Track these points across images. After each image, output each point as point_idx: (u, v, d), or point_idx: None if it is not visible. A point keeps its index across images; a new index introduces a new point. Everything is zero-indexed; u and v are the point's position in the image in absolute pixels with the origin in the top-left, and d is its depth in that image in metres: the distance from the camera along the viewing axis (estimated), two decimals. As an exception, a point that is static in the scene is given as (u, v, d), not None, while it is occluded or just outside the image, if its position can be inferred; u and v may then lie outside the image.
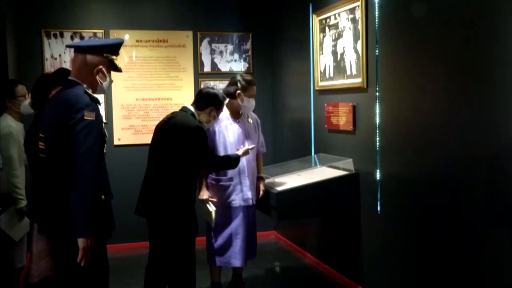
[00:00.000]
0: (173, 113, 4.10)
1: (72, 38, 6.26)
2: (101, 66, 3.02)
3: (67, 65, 6.21)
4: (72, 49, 3.09)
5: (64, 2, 6.27)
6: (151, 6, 6.59)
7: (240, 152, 4.29)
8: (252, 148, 4.45)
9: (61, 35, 6.25)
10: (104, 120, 3.24)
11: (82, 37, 6.28)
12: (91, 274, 2.97)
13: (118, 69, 3.12)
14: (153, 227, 3.99)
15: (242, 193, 4.50)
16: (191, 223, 3.94)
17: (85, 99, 2.89)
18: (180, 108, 4.17)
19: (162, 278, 4.05)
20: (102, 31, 6.35)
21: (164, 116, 4.15)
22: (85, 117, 2.83)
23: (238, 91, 4.45)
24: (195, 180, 4.03)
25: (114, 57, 3.07)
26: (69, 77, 3.03)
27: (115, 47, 3.09)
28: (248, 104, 4.53)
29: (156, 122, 6.39)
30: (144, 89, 6.48)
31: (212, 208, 4.38)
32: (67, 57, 6.25)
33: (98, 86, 3.06)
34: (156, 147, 4.01)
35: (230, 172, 4.44)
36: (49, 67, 6.20)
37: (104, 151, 3.05)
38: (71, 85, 2.98)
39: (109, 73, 3.08)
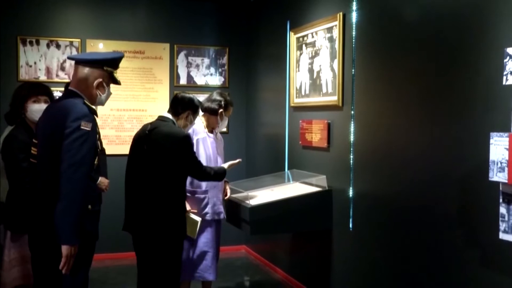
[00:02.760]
0: (152, 123, 3.99)
1: (48, 46, 6.22)
2: (101, 79, 3.08)
3: (42, 73, 6.19)
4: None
5: (41, 10, 6.23)
6: (129, 17, 6.60)
7: (226, 166, 4.31)
8: (238, 163, 4.50)
9: (37, 42, 6.20)
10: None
11: (58, 45, 6.24)
12: (70, 283, 2.96)
13: (117, 82, 3.19)
14: (143, 242, 3.86)
15: (216, 207, 4.52)
16: (182, 235, 3.91)
17: (84, 109, 2.93)
18: (157, 118, 4.11)
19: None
20: (79, 40, 6.32)
21: (138, 127, 4.10)
22: (82, 127, 2.87)
23: (221, 110, 4.53)
24: (185, 191, 3.99)
25: (113, 70, 3.14)
26: (69, 87, 3.08)
27: (116, 61, 3.17)
28: (224, 122, 4.67)
29: (130, 133, 6.45)
30: (119, 100, 6.44)
31: (197, 218, 4.36)
32: (42, 64, 6.21)
33: (97, 98, 3.11)
34: (141, 159, 3.87)
35: (205, 185, 4.46)
36: (24, 74, 6.16)
37: (95, 162, 3.06)
38: (70, 95, 3.03)
39: (108, 86, 3.14)
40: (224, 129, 4.84)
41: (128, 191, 3.97)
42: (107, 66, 3.10)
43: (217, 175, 4.14)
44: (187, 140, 3.83)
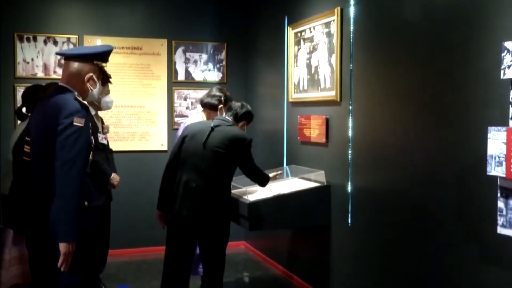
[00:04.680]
0: (213, 120, 4.07)
1: (45, 42, 6.20)
2: (91, 74, 3.06)
3: (40, 70, 6.18)
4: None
5: (38, 6, 6.21)
6: (126, 14, 6.58)
7: (271, 175, 4.44)
8: (280, 174, 4.80)
9: (34, 39, 6.18)
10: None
11: (55, 42, 6.23)
12: (68, 281, 2.95)
13: (107, 76, 3.21)
14: (198, 232, 3.95)
15: None
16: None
17: (75, 105, 2.92)
18: (216, 117, 4.18)
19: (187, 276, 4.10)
20: (76, 36, 6.30)
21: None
22: (75, 123, 2.86)
23: (221, 106, 4.54)
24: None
25: (104, 64, 3.12)
26: (60, 83, 3.06)
27: (105, 55, 3.15)
28: None
29: (128, 129, 6.46)
30: (116, 96, 6.39)
31: None
32: (40, 61, 6.19)
33: (88, 93, 3.09)
34: (201, 151, 3.93)
35: None
36: (21, 71, 6.14)
37: (90, 158, 3.06)
38: (61, 91, 3.01)
39: (99, 80, 3.12)
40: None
41: (185, 183, 3.94)
42: (97, 60, 3.08)
43: (264, 178, 4.30)
44: (251, 144, 4.04)
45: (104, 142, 4.78)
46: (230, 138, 3.92)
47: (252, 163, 4.12)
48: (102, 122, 4.96)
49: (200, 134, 3.97)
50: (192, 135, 4.00)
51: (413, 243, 3.68)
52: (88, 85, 3.07)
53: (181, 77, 6.77)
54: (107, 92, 4.86)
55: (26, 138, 3.15)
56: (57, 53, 3.39)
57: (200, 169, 3.91)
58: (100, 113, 4.89)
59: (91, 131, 3.05)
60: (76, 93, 3.01)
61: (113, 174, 4.65)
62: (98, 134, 4.71)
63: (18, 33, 6.14)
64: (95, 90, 3.11)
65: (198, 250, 4.49)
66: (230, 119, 4.11)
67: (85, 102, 3.04)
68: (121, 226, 6.20)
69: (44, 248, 2.96)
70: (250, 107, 4.27)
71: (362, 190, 4.31)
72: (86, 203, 2.98)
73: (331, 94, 4.71)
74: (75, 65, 3.04)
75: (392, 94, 3.92)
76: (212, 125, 3.98)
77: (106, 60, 3.15)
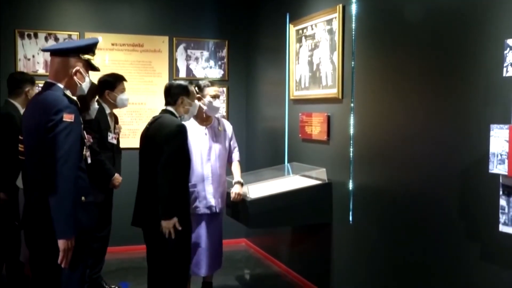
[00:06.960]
0: (154, 117, 4.03)
1: (46, 39, 6.19)
2: (78, 67, 3.02)
3: (41, 66, 6.17)
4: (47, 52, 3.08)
5: (39, 3, 6.20)
6: (127, 10, 6.57)
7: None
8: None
9: (35, 36, 6.17)
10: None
11: (57, 39, 6.22)
12: (69, 278, 2.94)
13: (95, 69, 3.13)
14: (150, 235, 3.95)
15: (206, 200, 4.49)
16: (185, 226, 3.83)
17: (64, 101, 2.89)
18: (160, 111, 4.10)
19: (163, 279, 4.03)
20: (77, 33, 6.29)
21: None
22: (64, 119, 2.83)
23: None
24: (186, 183, 3.91)
25: (90, 57, 3.07)
26: (48, 80, 3.03)
27: (91, 47, 3.09)
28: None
29: (129, 127, 6.45)
30: (118, 93, 6.42)
31: None
32: (41, 58, 6.18)
33: (77, 88, 3.05)
34: (144, 154, 3.95)
35: (194, 179, 4.43)
36: (22, 67, 6.13)
37: (84, 152, 3.04)
38: (49, 87, 2.98)
39: (87, 73, 3.09)
40: (218, 115, 4.63)
41: (138, 186, 4.01)
42: (83, 53, 3.04)
43: (172, 192, 3.74)
44: (179, 130, 3.77)
45: (114, 141, 4.78)
46: (156, 132, 3.84)
47: (169, 160, 3.68)
48: (116, 122, 4.95)
49: (143, 136, 4.03)
50: (141, 138, 4.06)
51: (415, 240, 3.67)
52: (76, 78, 3.02)
53: (182, 74, 6.76)
54: (122, 90, 4.83)
55: (20, 137, 3.12)
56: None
57: (144, 172, 3.92)
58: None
59: (82, 126, 3.03)
60: (63, 88, 2.98)
61: (116, 175, 4.71)
62: (108, 133, 4.71)
63: (19, 29, 6.14)
64: (84, 84, 3.07)
65: (201, 247, 4.48)
66: (169, 109, 4.00)
67: (74, 98, 3.01)
68: (122, 223, 6.16)
69: (43, 245, 2.94)
70: (183, 82, 4.10)
71: (364, 188, 4.31)
72: (82, 198, 2.96)
73: (333, 91, 4.70)
74: (61, 60, 3.00)
75: (394, 92, 3.91)
76: (148, 124, 3.96)
77: (93, 53, 3.10)
